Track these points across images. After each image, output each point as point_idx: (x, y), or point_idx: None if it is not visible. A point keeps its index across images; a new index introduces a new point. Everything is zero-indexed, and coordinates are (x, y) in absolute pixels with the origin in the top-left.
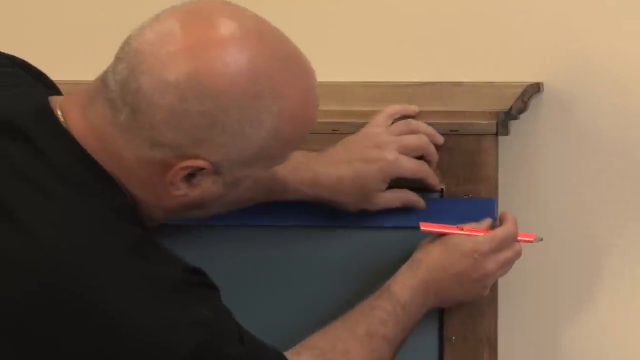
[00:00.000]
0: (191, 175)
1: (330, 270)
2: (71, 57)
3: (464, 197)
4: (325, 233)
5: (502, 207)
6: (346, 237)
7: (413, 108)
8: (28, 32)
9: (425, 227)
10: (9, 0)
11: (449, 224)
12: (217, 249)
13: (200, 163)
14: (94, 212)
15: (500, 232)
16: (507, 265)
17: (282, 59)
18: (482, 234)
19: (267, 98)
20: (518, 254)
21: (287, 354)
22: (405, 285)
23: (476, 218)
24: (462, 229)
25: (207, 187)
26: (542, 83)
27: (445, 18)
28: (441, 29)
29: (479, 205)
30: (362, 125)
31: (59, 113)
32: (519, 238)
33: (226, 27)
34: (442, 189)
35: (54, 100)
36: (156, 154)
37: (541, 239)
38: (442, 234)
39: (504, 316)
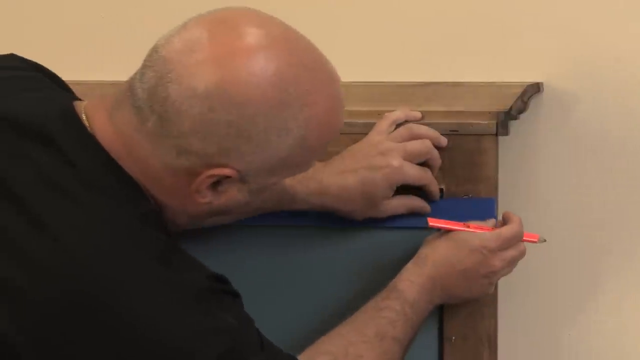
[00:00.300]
0: (217, 183)
1: (336, 270)
2: (71, 57)
3: (464, 197)
4: (331, 234)
5: (502, 207)
6: (352, 237)
7: (416, 114)
8: (28, 32)
9: (433, 222)
10: (9, 0)
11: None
12: (220, 249)
13: (226, 171)
14: (119, 218)
15: (506, 230)
16: (512, 263)
17: (309, 67)
18: (488, 231)
19: (294, 107)
20: (523, 254)
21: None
22: (412, 282)
23: (476, 218)
24: (468, 226)
25: (232, 194)
26: (542, 83)
27: (446, 18)
28: (441, 29)
29: (479, 205)
30: (362, 125)
31: (84, 117)
32: (524, 238)
33: (253, 36)
34: (441, 189)
35: (79, 104)
36: (183, 161)
37: (544, 241)
38: (448, 230)
39: (504, 316)
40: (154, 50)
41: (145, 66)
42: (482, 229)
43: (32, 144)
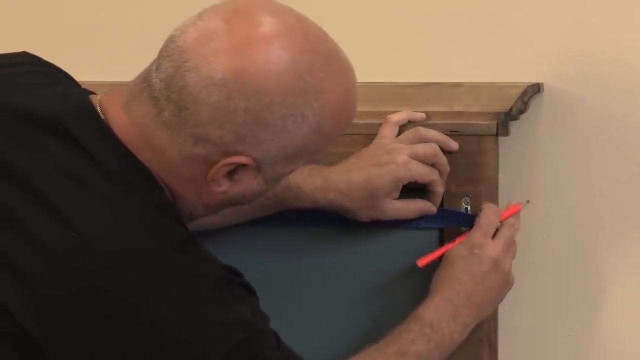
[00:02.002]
0: (233, 172)
1: (342, 272)
2: (71, 57)
3: (464, 205)
4: (335, 235)
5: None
6: (356, 239)
7: (419, 115)
8: (28, 32)
9: (422, 262)
10: (9, 1)
11: (439, 226)
12: (225, 251)
13: (243, 159)
14: (138, 209)
15: (481, 217)
16: (510, 241)
17: (324, 55)
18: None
19: (310, 94)
20: (513, 227)
21: None
22: (429, 307)
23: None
24: (454, 241)
25: (248, 183)
26: (542, 84)
27: (446, 19)
28: (442, 30)
29: (467, 219)
30: (363, 125)
31: (99, 110)
32: (505, 214)
33: (269, 25)
34: None
35: (94, 98)
36: (200, 150)
37: (528, 202)
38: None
39: (504, 316)
40: (170, 40)
41: (161, 56)
42: (467, 235)
43: (49, 137)
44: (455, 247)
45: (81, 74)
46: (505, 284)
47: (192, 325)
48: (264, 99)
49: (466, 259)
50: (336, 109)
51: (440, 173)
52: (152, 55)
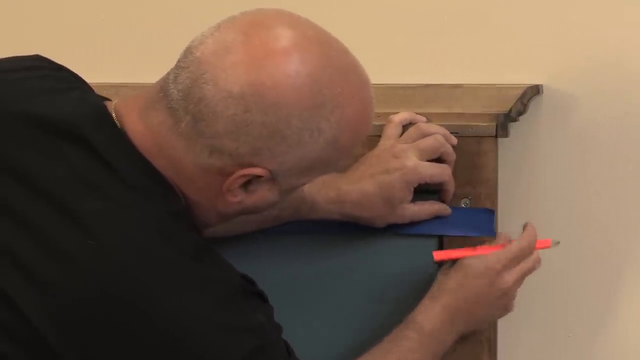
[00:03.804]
0: (248, 183)
1: (354, 278)
2: (71, 59)
3: (463, 206)
4: (348, 241)
5: (501, 210)
6: (371, 245)
7: (421, 118)
8: (28, 33)
9: (438, 256)
10: (9, 2)
11: (449, 233)
12: (237, 258)
13: (258, 171)
14: (153, 216)
15: (514, 247)
16: (524, 276)
17: (343, 70)
18: (494, 251)
19: (328, 108)
20: (536, 263)
21: None
22: (429, 314)
23: (474, 228)
24: (475, 250)
25: (263, 194)
26: (541, 85)
27: (445, 20)
28: (441, 31)
29: (478, 216)
30: None
31: (114, 116)
32: (536, 247)
33: (287, 38)
34: None
35: (109, 104)
36: (215, 161)
37: (558, 243)
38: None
39: (504, 317)
40: (188, 51)
41: (179, 67)
42: (491, 248)
43: (65, 143)
44: (473, 261)
45: (81, 75)
46: (506, 310)
47: (207, 332)
48: (281, 113)
49: (478, 277)
50: (353, 123)
51: (448, 162)
52: (152, 56)
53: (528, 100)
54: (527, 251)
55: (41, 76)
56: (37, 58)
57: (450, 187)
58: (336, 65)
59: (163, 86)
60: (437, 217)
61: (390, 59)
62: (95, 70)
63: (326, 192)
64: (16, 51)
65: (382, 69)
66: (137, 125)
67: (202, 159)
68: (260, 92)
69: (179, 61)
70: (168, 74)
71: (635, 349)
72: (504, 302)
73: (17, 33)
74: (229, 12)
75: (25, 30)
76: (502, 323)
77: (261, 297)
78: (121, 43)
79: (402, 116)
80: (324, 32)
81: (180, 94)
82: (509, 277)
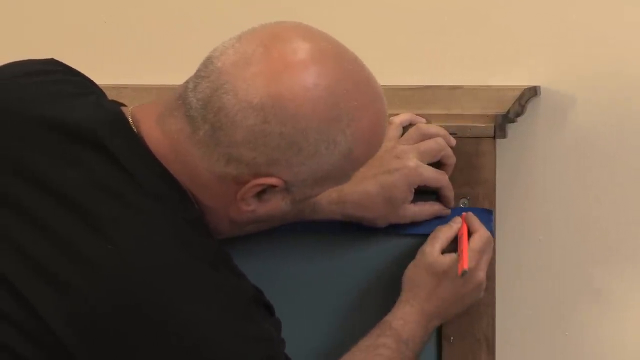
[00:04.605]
0: (262, 192)
1: (355, 278)
2: (73, 62)
3: (462, 206)
4: (351, 241)
5: (499, 210)
6: (373, 244)
7: (421, 119)
8: (30, 36)
9: (461, 268)
10: (10, 5)
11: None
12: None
13: (273, 181)
14: (170, 223)
15: (475, 243)
16: (489, 258)
17: (359, 83)
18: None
19: (343, 121)
20: (490, 242)
21: None
22: (406, 321)
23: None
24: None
25: (276, 204)
26: (539, 87)
27: (444, 22)
28: (440, 32)
29: (476, 216)
30: None
31: (130, 121)
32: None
33: (306, 51)
34: None
35: (125, 109)
36: (231, 170)
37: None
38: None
39: (502, 316)
40: (209, 61)
41: (199, 76)
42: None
43: (82, 148)
44: (446, 262)
45: None
46: (479, 296)
47: (223, 339)
48: (299, 125)
49: (455, 281)
50: (367, 136)
51: (448, 166)
52: (153, 58)
53: (526, 102)
54: (487, 240)
55: (56, 80)
56: (52, 62)
57: (449, 193)
58: (352, 79)
59: (182, 94)
60: (437, 218)
61: (389, 61)
62: (96, 71)
63: (328, 193)
64: (16, 51)
65: (381, 70)
66: (153, 131)
67: (218, 167)
68: (279, 103)
69: (198, 70)
70: (187, 82)
71: (634, 349)
72: (477, 292)
73: (18, 34)
74: (229, 13)
75: (27, 34)
76: (500, 322)
77: (270, 309)
78: (122, 45)
79: (402, 117)
80: (341, 46)
81: (199, 103)
82: (482, 271)
